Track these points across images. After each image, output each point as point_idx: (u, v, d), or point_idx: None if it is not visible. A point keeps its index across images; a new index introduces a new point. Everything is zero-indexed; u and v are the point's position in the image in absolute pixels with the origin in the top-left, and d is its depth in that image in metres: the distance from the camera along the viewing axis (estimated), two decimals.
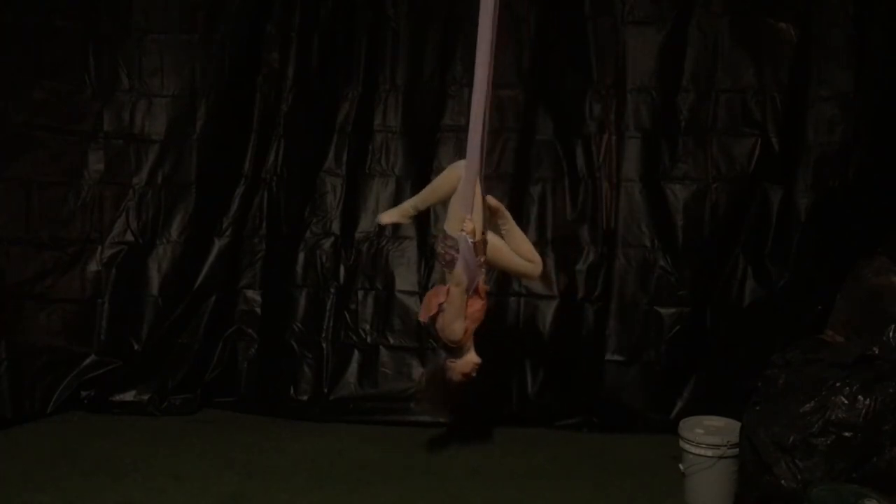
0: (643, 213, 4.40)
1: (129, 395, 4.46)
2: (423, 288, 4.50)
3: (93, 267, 4.51)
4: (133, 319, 4.54)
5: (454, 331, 3.38)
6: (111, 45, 4.47)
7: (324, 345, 4.54)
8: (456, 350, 3.47)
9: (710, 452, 3.32)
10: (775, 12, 4.26)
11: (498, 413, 4.37)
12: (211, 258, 4.59)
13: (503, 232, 3.61)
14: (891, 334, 3.05)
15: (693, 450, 3.37)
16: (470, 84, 4.44)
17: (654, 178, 4.39)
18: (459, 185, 3.41)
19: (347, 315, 4.55)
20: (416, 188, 4.54)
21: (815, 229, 4.18)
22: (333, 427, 4.31)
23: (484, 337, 3.54)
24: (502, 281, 4.36)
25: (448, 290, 3.39)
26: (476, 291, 3.45)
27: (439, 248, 3.51)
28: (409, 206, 3.76)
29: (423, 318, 3.59)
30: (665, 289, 4.35)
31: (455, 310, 3.36)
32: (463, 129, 4.50)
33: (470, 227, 3.32)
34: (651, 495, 3.51)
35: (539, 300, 4.42)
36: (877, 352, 3.01)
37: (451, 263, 3.40)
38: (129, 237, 4.56)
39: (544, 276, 4.37)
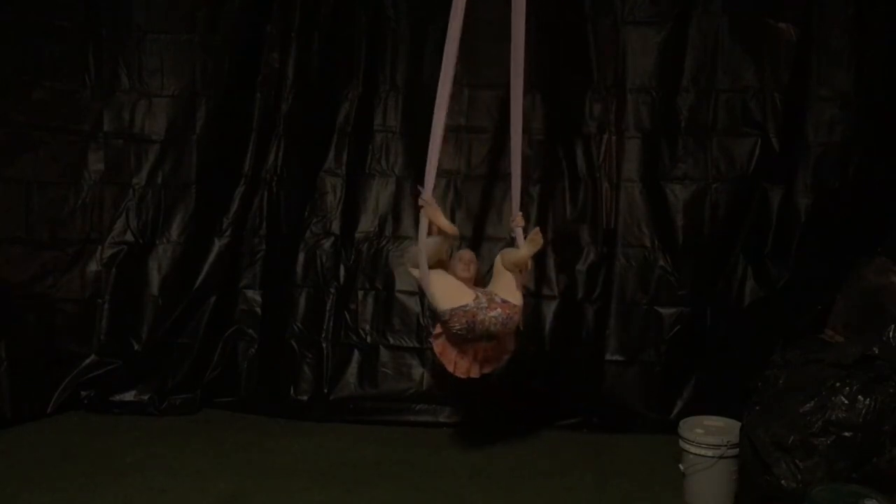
0: (643, 213, 4.40)
1: (129, 395, 4.47)
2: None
3: (93, 267, 4.51)
4: (133, 319, 4.55)
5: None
6: (111, 45, 4.48)
7: (324, 345, 4.54)
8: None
9: (710, 452, 3.32)
10: (775, 12, 4.26)
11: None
12: (211, 258, 4.59)
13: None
14: (891, 334, 3.04)
15: (693, 450, 3.36)
16: (470, 84, 4.53)
17: (654, 178, 4.39)
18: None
19: (347, 315, 4.55)
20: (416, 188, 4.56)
21: (815, 229, 4.18)
22: (333, 427, 4.31)
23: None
24: None
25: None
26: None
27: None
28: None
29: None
30: (665, 289, 4.35)
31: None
32: (463, 130, 4.55)
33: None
34: (651, 495, 3.51)
35: (539, 300, 4.41)
36: (877, 352, 3.01)
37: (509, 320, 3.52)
38: (129, 237, 4.56)
39: (544, 276, 4.39)
